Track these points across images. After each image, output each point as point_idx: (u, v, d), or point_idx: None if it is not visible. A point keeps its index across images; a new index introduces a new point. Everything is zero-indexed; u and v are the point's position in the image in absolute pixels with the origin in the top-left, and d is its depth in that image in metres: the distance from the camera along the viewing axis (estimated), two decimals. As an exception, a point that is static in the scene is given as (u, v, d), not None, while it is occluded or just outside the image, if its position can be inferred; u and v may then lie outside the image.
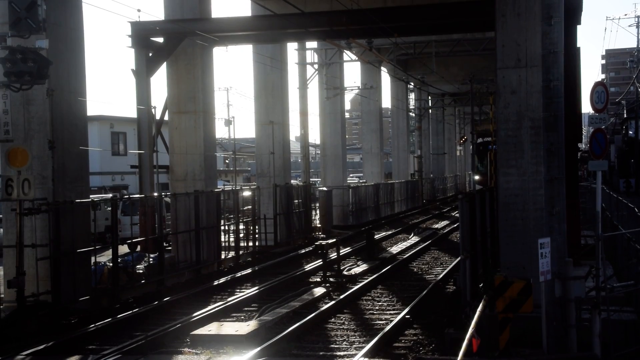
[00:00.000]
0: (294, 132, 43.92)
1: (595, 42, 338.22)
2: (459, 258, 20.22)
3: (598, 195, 11.66)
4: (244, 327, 12.60)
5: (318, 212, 32.84)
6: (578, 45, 16.00)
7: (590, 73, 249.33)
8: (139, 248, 18.79)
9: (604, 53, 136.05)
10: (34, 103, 14.53)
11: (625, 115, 56.72)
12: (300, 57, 33.53)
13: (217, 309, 14.45)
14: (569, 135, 13.32)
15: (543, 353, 10.19)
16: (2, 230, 14.68)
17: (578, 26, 16.13)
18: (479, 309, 10.10)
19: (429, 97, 56.87)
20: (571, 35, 14.90)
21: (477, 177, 42.56)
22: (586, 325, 10.44)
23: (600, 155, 12.38)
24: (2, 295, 13.58)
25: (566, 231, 12.41)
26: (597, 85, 12.21)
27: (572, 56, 14.56)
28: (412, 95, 53.88)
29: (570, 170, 13.99)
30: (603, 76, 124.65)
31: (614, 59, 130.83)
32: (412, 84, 48.06)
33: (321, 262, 18.95)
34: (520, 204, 12.40)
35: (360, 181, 44.96)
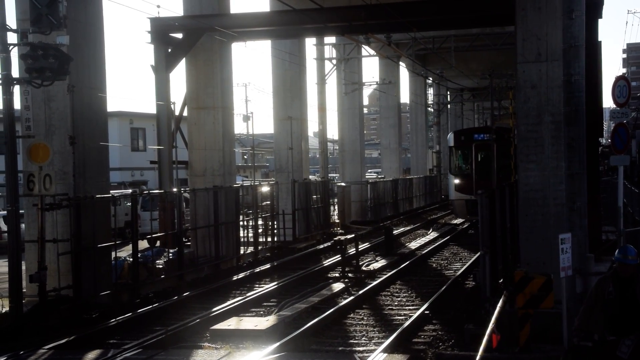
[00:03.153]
0: (312, 127, 44.19)
1: (616, 36, 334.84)
2: (478, 254, 20.18)
3: (620, 190, 11.57)
4: (263, 322, 12.64)
5: (336, 207, 32.82)
6: (599, 39, 15.85)
7: (611, 67, 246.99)
8: (158, 243, 18.92)
9: (625, 47, 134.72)
10: (54, 99, 14.64)
11: (646, 110, 56.06)
12: (318, 52, 33.50)
13: (236, 304, 14.50)
14: (590, 130, 13.19)
15: (564, 349, 10.12)
16: (23, 225, 14.80)
17: (599, 20, 15.97)
18: (499, 304, 10.05)
19: (448, 92, 56.60)
20: (592, 29, 14.75)
21: (456, 181, 30.08)
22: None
23: (622, 150, 12.27)
24: (24, 290, 13.70)
25: (587, 226, 12.30)
26: (619, 79, 12.10)
27: (593, 50, 14.42)
28: (430, 90, 53.67)
29: (591, 165, 13.87)
30: (624, 70, 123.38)
31: (635, 53, 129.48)
32: (430, 79, 47.87)
33: (340, 258, 18.95)
34: (541, 199, 12.31)
35: (379, 176, 44.89)
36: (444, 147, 55.09)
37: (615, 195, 12.21)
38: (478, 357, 8.20)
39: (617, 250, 7.73)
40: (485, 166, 28.70)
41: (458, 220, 32.65)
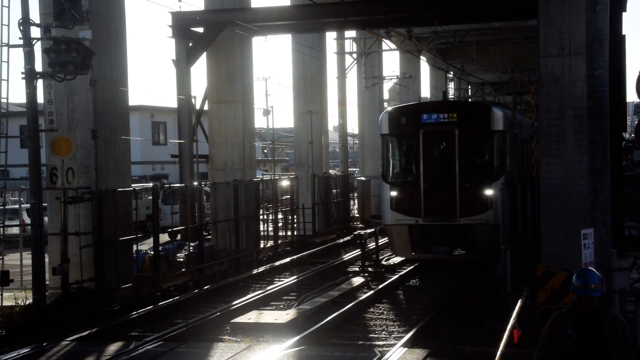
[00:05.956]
0: (333, 121, 43.94)
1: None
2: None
3: (643, 185, 11.40)
4: (283, 316, 12.67)
5: (356, 201, 32.80)
6: (623, 33, 15.65)
7: (635, 61, 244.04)
8: (179, 237, 19.02)
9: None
10: (77, 93, 14.75)
11: (671, 104, 55.36)
12: (339, 46, 33.45)
13: (256, 297, 14.56)
14: (613, 124, 13.05)
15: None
16: (46, 218, 14.95)
17: (623, 13, 15.76)
18: (520, 300, 10.00)
19: (469, 87, 56.27)
20: (616, 23, 14.55)
21: (393, 194, 17.82)
22: (630, 317, 10.27)
23: (645, 145, 12.12)
24: (47, 282, 13.85)
25: (610, 222, 12.19)
26: (643, 73, 11.91)
27: (617, 44, 14.23)
28: (451, 85, 53.41)
29: (614, 160, 13.72)
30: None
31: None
32: (451, 73, 47.59)
33: (359, 252, 18.95)
34: (563, 194, 12.20)
35: (399, 171, 44.64)
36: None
37: (638, 190, 12.07)
38: (499, 353, 8.17)
39: (574, 277, 5.56)
40: (443, 168, 17.47)
41: (397, 259, 19.30)
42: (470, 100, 43.69)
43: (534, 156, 21.92)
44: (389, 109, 19.66)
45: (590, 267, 5.67)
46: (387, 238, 19.04)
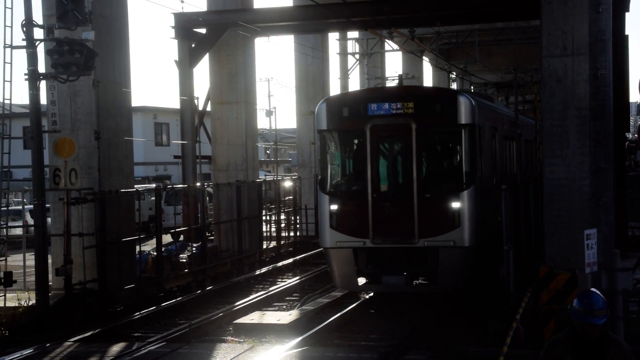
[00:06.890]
0: (335, 122, 43.92)
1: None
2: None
3: (647, 185, 11.38)
4: (286, 317, 12.67)
5: (359, 202, 32.76)
6: (626, 33, 15.66)
7: (639, 61, 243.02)
8: (182, 237, 19.04)
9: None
10: (80, 94, 14.78)
11: (674, 105, 55.28)
12: (341, 47, 33.42)
13: (259, 298, 14.56)
14: (616, 124, 13.05)
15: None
16: (49, 219, 14.96)
17: (626, 13, 15.76)
18: (524, 300, 9.99)
19: (472, 87, 56.23)
20: (619, 23, 14.57)
21: (333, 208, 13.49)
22: (634, 317, 10.26)
23: (648, 145, 12.10)
24: (51, 283, 13.86)
25: (613, 222, 12.19)
26: (646, 73, 11.90)
27: (620, 44, 14.24)
28: (454, 85, 53.39)
29: (617, 161, 13.72)
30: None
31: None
32: (454, 73, 47.56)
33: (362, 253, 18.88)
34: (566, 194, 12.20)
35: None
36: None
37: (641, 190, 12.05)
38: (503, 353, 8.16)
39: (575, 300, 4.82)
40: (397, 174, 13.71)
41: (338, 293, 14.87)
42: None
43: (536, 156, 21.47)
44: (329, 97, 15.95)
45: (594, 289, 4.90)
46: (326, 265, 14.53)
